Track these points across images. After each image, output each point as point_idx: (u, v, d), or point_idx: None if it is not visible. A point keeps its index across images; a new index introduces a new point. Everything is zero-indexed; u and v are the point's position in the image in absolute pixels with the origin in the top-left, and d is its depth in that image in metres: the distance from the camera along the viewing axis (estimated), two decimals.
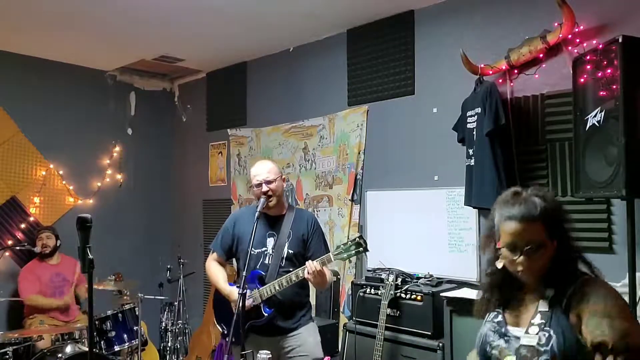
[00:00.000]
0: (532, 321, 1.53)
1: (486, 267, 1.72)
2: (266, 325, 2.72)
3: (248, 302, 2.66)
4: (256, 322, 2.72)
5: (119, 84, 5.64)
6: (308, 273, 2.57)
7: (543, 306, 1.53)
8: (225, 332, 2.88)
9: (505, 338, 1.60)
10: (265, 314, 2.71)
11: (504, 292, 1.66)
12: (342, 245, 2.61)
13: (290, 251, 2.79)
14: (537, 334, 1.50)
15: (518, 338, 1.55)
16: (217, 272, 2.90)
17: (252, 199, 2.93)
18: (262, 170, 2.78)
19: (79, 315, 4.56)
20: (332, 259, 2.60)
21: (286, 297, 2.74)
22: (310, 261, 2.61)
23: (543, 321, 1.51)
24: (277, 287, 2.67)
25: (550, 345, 1.47)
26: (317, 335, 2.88)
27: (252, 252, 2.63)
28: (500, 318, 1.66)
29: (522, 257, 1.53)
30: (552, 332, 1.48)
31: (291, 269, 2.75)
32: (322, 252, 2.84)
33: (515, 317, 1.63)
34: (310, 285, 2.88)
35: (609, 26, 2.91)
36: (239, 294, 2.48)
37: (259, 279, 2.75)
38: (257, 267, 2.78)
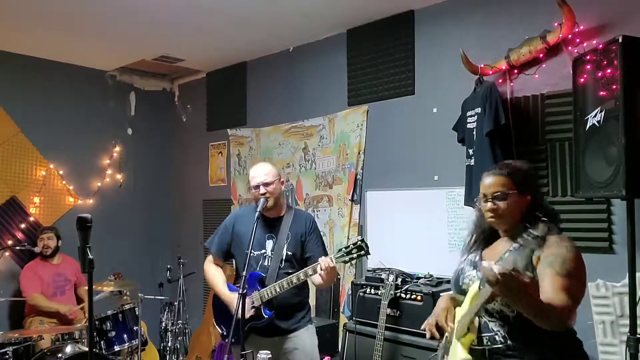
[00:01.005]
0: (502, 256, 1.81)
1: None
2: (266, 327, 2.72)
3: (248, 307, 2.66)
4: (256, 324, 2.71)
5: (119, 84, 5.64)
6: (321, 269, 2.55)
7: (514, 246, 1.81)
8: (225, 333, 2.88)
9: (477, 267, 1.89)
10: (266, 316, 2.70)
11: (484, 235, 2.00)
12: (343, 248, 2.60)
13: (289, 253, 2.79)
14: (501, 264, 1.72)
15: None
16: (216, 277, 2.89)
17: (252, 199, 2.93)
18: (260, 173, 2.78)
19: (79, 315, 4.55)
20: (334, 261, 2.60)
21: (286, 299, 2.74)
22: (324, 257, 2.59)
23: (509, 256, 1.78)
24: (279, 289, 2.66)
25: None
26: (315, 339, 2.88)
27: (251, 254, 2.62)
28: (477, 257, 1.96)
29: (489, 204, 1.89)
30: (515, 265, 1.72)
31: (290, 271, 2.75)
32: (320, 253, 2.83)
33: (490, 254, 1.92)
34: (310, 285, 2.88)
35: (609, 26, 2.92)
36: (239, 294, 2.47)
37: (259, 281, 2.75)
38: (257, 269, 2.78)
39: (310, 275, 2.63)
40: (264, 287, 2.72)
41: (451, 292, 2.08)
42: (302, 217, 2.91)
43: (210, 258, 2.97)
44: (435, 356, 2.01)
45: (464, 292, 1.92)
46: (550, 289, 1.67)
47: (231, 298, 2.75)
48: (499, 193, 1.87)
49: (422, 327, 2.03)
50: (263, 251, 2.81)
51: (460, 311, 1.93)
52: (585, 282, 1.81)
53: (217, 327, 2.95)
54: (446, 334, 1.94)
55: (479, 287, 1.76)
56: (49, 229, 4.67)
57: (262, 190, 2.74)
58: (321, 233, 3.03)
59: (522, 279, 1.56)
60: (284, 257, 2.78)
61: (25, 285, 4.41)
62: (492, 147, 3.12)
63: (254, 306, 2.70)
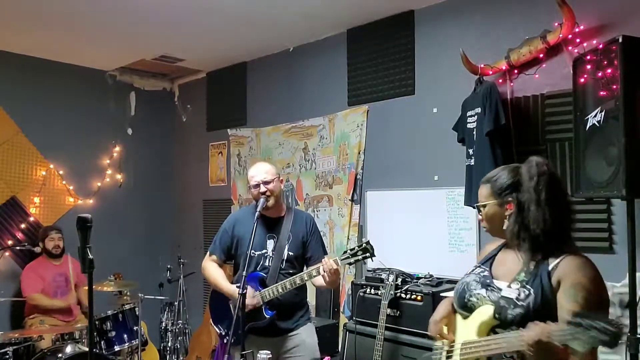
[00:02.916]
0: (517, 277, 1.68)
1: None
2: (266, 327, 2.72)
3: (254, 301, 2.65)
4: (257, 324, 2.71)
5: (119, 84, 5.64)
6: (324, 271, 2.54)
7: (528, 266, 1.66)
8: (222, 333, 2.88)
9: (489, 288, 1.74)
10: (267, 316, 2.70)
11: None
12: (349, 250, 2.60)
13: (291, 253, 2.79)
14: (517, 289, 1.64)
15: (500, 290, 1.70)
16: (215, 272, 2.89)
17: (251, 199, 2.92)
18: (260, 171, 2.78)
19: (79, 315, 4.56)
20: (339, 263, 2.60)
21: (286, 298, 2.73)
22: (326, 259, 2.59)
23: (526, 279, 1.64)
24: (282, 290, 2.66)
25: (527, 301, 1.60)
26: (315, 336, 2.88)
27: (252, 254, 2.62)
28: (486, 273, 1.81)
29: (479, 216, 1.84)
30: (532, 291, 1.61)
31: (291, 271, 2.75)
32: (320, 254, 2.86)
33: (500, 272, 1.78)
34: (309, 285, 2.88)
35: (609, 26, 2.91)
36: (239, 294, 2.47)
37: (259, 281, 2.75)
38: (258, 269, 2.78)
39: (315, 276, 2.63)
40: (264, 287, 2.72)
41: (452, 297, 1.97)
42: (303, 218, 2.91)
43: (211, 257, 2.95)
44: (430, 356, 1.94)
45: (468, 309, 1.79)
46: (563, 317, 1.54)
47: (232, 290, 2.72)
48: (478, 206, 1.84)
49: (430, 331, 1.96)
50: (264, 251, 2.80)
51: (462, 327, 1.81)
52: (608, 310, 1.70)
53: (214, 326, 2.95)
54: (445, 342, 1.88)
55: (494, 316, 1.65)
56: (57, 230, 4.66)
57: (263, 188, 2.73)
58: (321, 233, 3.03)
59: (550, 344, 1.45)
60: (285, 258, 2.78)
61: (26, 285, 4.41)
62: (492, 147, 3.12)
63: (256, 303, 2.70)
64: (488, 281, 1.77)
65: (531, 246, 1.66)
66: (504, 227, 1.74)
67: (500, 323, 1.64)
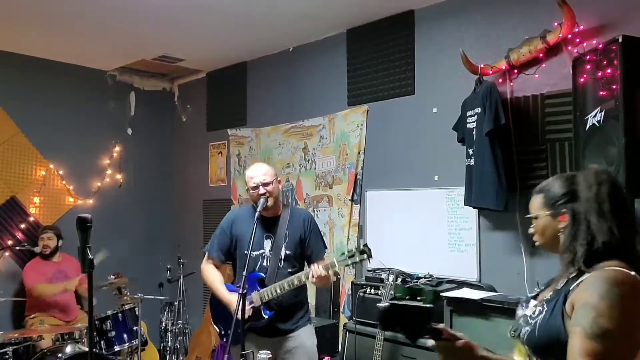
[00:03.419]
0: (545, 295, 1.55)
1: None
2: (266, 327, 2.72)
3: (247, 307, 2.65)
4: (256, 324, 2.71)
5: (119, 84, 5.64)
6: (313, 277, 2.59)
7: (559, 285, 1.51)
8: (222, 332, 2.88)
9: (523, 306, 1.64)
10: (266, 316, 2.71)
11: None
12: (346, 252, 2.62)
13: (288, 252, 2.79)
14: (535, 306, 1.53)
15: (528, 308, 1.61)
16: (214, 277, 2.88)
17: (250, 200, 2.91)
18: (259, 173, 2.78)
19: (79, 315, 4.56)
20: (336, 265, 2.61)
21: (285, 299, 2.74)
22: (315, 265, 2.61)
23: (548, 298, 1.50)
24: (279, 290, 2.66)
25: (535, 320, 1.47)
26: (314, 338, 2.89)
27: (250, 255, 2.61)
28: (535, 292, 1.67)
29: (531, 229, 1.64)
30: (544, 310, 1.47)
31: (290, 270, 2.76)
32: (320, 250, 2.87)
33: (545, 292, 1.62)
34: (309, 285, 2.89)
35: (609, 26, 2.91)
36: (239, 293, 2.47)
37: (258, 282, 2.75)
38: (257, 269, 2.78)
39: (304, 281, 2.66)
40: (263, 287, 2.72)
41: None
42: (300, 216, 2.91)
43: (209, 260, 2.94)
44: None
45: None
46: (573, 353, 1.30)
47: (230, 299, 2.73)
48: (530, 215, 1.63)
49: None
50: (262, 251, 2.80)
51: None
52: (632, 343, 1.32)
53: (214, 325, 2.95)
54: None
55: (510, 332, 1.58)
56: (49, 229, 4.66)
57: (262, 190, 2.73)
58: (321, 233, 3.03)
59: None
60: (282, 257, 2.78)
61: (28, 279, 4.40)
62: (492, 147, 3.12)
63: (253, 306, 2.70)
64: (526, 299, 1.66)
65: (572, 259, 1.47)
66: (561, 242, 1.54)
67: (521, 342, 1.53)
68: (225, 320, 2.82)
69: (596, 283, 1.35)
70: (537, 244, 1.65)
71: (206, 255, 2.95)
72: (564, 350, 1.34)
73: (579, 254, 1.44)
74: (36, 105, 5.01)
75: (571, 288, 1.42)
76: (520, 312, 1.63)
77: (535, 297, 1.64)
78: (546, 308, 1.47)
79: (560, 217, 1.53)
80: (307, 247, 2.85)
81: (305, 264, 2.88)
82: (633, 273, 1.37)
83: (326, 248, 2.96)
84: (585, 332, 1.29)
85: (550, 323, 1.42)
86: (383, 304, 1.46)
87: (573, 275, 1.46)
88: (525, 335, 1.49)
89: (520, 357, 1.57)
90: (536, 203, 1.61)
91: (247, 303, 2.65)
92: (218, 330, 2.91)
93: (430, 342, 1.48)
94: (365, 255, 2.59)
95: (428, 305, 1.43)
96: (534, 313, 1.51)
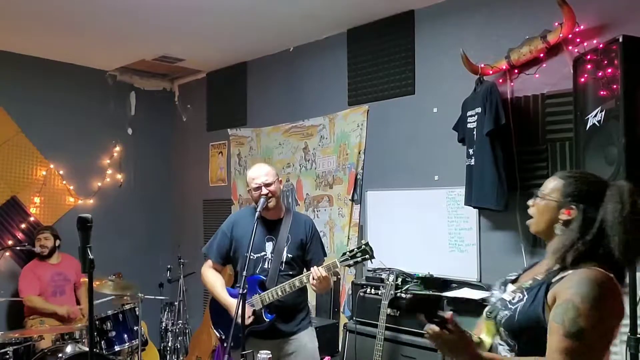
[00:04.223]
0: (524, 282, 1.60)
1: None
2: (267, 329, 2.71)
3: (248, 311, 2.64)
4: (257, 327, 2.71)
5: (119, 84, 5.64)
6: (313, 279, 2.57)
7: (540, 275, 1.57)
8: (223, 337, 2.86)
9: (501, 289, 1.69)
10: (267, 320, 2.70)
11: None
12: (348, 252, 2.61)
13: (290, 255, 2.78)
14: (514, 292, 1.58)
15: (505, 291, 1.66)
16: (214, 281, 2.86)
17: (251, 200, 2.91)
18: (261, 173, 2.76)
19: (79, 315, 4.55)
20: (338, 266, 2.60)
21: (287, 301, 2.73)
22: (315, 267, 2.59)
23: (528, 286, 1.56)
24: (280, 293, 2.65)
25: (516, 306, 1.53)
26: (316, 341, 2.88)
27: (250, 257, 2.59)
28: (513, 277, 1.72)
29: (531, 200, 1.67)
30: (525, 298, 1.53)
31: (291, 273, 2.75)
32: (320, 255, 2.86)
33: (524, 278, 1.68)
34: (309, 286, 2.88)
35: (610, 26, 2.92)
36: (239, 294, 2.46)
37: (259, 284, 2.74)
38: (257, 271, 2.77)
39: (305, 283, 2.63)
40: (264, 290, 2.71)
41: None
42: (302, 221, 2.90)
43: (209, 262, 2.94)
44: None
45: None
46: (551, 349, 1.39)
47: (230, 303, 2.72)
48: (541, 194, 1.64)
49: None
50: (263, 253, 2.79)
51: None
52: (607, 344, 1.43)
53: (214, 330, 2.94)
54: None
55: (487, 314, 1.64)
56: (46, 229, 4.66)
57: (264, 191, 2.72)
58: (321, 234, 3.03)
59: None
60: (284, 260, 2.77)
61: (23, 287, 4.41)
62: (492, 147, 3.12)
63: (254, 309, 2.69)
64: (505, 282, 1.71)
65: (563, 256, 1.51)
66: (556, 232, 1.57)
67: (494, 322, 1.60)
68: (225, 325, 2.80)
69: (580, 282, 1.41)
70: (530, 224, 1.68)
71: (206, 259, 2.95)
72: (540, 335, 1.43)
73: (573, 253, 1.48)
74: (36, 105, 5.01)
75: (553, 280, 1.49)
76: (497, 294, 1.69)
77: (513, 282, 1.70)
78: (527, 296, 1.53)
79: (566, 210, 1.56)
80: (307, 252, 2.84)
81: (305, 269, 2.87)
82: (611, 275, 1.45)
83: (326, 255, 2.94)
84: (564, 331, 1.37)
85: (531, 311, 1.48)
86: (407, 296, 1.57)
87: (555, 268, 1.52)
88: (503, 319, 1.55)
89: (488, 336, 1.63)
90: (553, 185, 1.62)
91: (247, 308, 2.64)
92: (218, 335, 2.90)
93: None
94: (367, 255, 2.57)
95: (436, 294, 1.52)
96: (513, 299, 1.56)
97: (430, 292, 3.20)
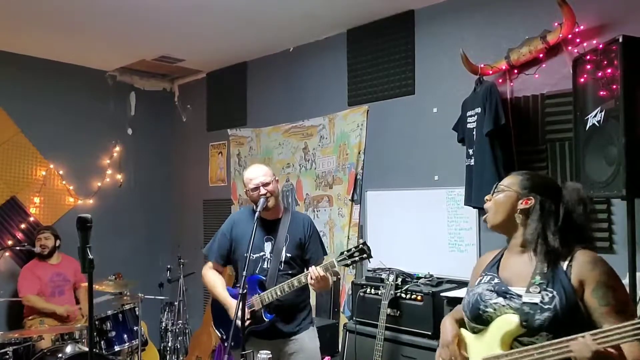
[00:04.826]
0: (532, 281, 1.62)
1: None
2: (267, 329, 2.71)
3: (247, 313, 2.63)
4: (257, 327, 2.70)
5: (119, 84, 5.64)
6: (311, 279, 2.56)
7: (541, 268, 1.63)
8: (224, 337, 2.86)
9: (507, 296, 1.65)
10: (267, 319, 2.70)
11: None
12: (345, 252, 2.61)
13: (289, 255, 2.78)
14: (539, 292, 1.59)
15: (520, 296, 1.62)
16: (215, 282, 2.87)
17: (250, 201, 2.91)
18: (258, 174, 2.77)
19: (79, 315, 4.55)
20: (336, 265, 2.60)
21: (287, 301, 2.73)
22: (313, 267, 2.59)
23: (543, 282, 1.60)
24: (279, 293, 2.65)
25: (553, 304, 1.55)
26: (317, 341, 2.88)
27: (250, 257, 2.58)
28: (498, 280, 1.73)
29: (488, 196, 1.80)
30: (555, 293, 1.57)
31: (290, 272, 2.75)
32: (319, 254, 2.86)
33: (509, 278, 1.71)
34: (311, 288, 2.88)
35: (609, 26, 2.92)
36: (239, 294, 2.46)
37: (259, 284, 2.74)
38: (256, 271, 2.77)
39: (304, 282, 2.63)
40: (264, 290, 2.71)
41: (455, 313, 1.89)
42: (300, 220, 2.90)
43: (209, 264, 2.94)
44: None
45: (482, 322, 1.68)
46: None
47: (230, 303, 2.73)
48: (498, 186, 1.79)
49: None
50: (262, 253, 2.79)
51: (477, 342, 1.71)
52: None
53: (215, 330, 2.94)
54: None
55: (521, 324, 1.58)
56: (46, 229, 4.66)
57: (263, 190, 2.72)
58: (321, 234, 3.03)
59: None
60: (283, 260, 2.77)
61: (22, 286, 4.41)
62: (492, 147, 3.13)
63: (254, 310, 2.69)
64: (504, 289, 1.67)
65: (547, 250, 1.64)
66: (517, 222, 1.72)
67: (528, 331, 1.57)
68: (226, 324, 2.80)
69: (596, 263, 1.59)
70: (487, 219, 1.79)
71: (206, 260, 2.95)
72: (581, 319, 1.54)
73: (553, 242, 1.63)
74: (36, 105, 5.01)
75: (565, 268, 1.60)
76: (513, 302, 1.62)
77: (503, 284, 1.70)
78: (555, 291, 1.57)
79: (524, 200, 1.71)
80: (306, 251, 2.84)
81: (305, 268, 2.87)
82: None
83: (326, 254, 2.93)
84: (615, 309, 1.53)
85: (569, 303, 1.55)
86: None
87: (553, 257, 1.62)
88: (546, 322, 1.54)
89: (503, 348, 1.60)
90: (511, 180, 1.77)
91: (247, 308, 2.64)
92: (219, 335, 2.90)
93: None
94: (365, 255, 2.58)
95: None
96: (543, 299, 1.57)
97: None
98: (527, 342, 1.56)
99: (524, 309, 1.58)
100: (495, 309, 1.65)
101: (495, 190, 1.78)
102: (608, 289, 1.55)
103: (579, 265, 1.59)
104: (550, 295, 1.56)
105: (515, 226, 1.73)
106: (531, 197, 1.69)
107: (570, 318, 1.54)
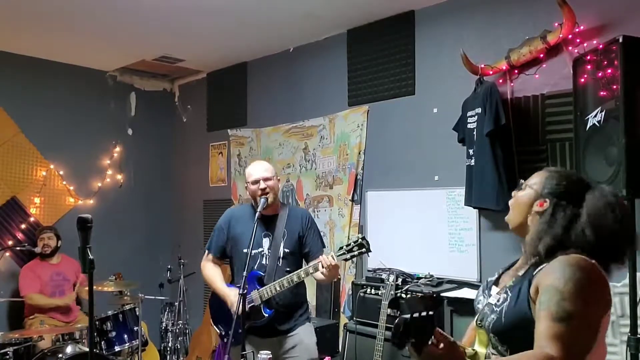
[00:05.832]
0: (507, 283, 1.55)
1: None
2: (265, 326, 2.72)
3: (247, 306, 2.65)
4: (256, 323, 2.71)
5: (119, 85, 5.64)
6: (323, 267, 2.55)
7: (521, 272, 1.53)
8: (223, 332, 2.87)
9: (485, 294, 1.64)
10: (266, 315, 2.70)
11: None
12: (344, 247, 2.61)
13: (287, 250, 2.79)
14: (498, 294, 1.53)
15: (490, 295, 1.60)
16: (213, 273, 2.89)
17: (250, 197, 2.91)
18: (260, 169, 2.80)
19: (79, 315, 4.56)
20: (335, 259, 2.60)
21: (285, 298, 2.74)
22: (324, 256, 2.58)
23: (512, 284, 1.51)
24: (278, 288, 2.66)
25: (501, 307, 1.48)
26: (314, 336, 2.88)
27: (250, 254, 2.60)
28: (492, 279, 1.68)
29: (514, 191, 1.64)
30: (508, 297, 1.48)
31: (288, 268, 2.75)
32: (318, 247, 2.86)
33: (506, 278, 1.64)
34: (308, 284, 2.88)
35: (610, 26, 2.92)
36: (239, 294, 2.47)
37: (258, 280, 2.75)
38: (255, 267, 2.78)
39: (312, 273, 2.63)
40: (263, 286, 2.72)
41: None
42: (298, 215, 2.91)
43: (209, 257, 2.96)
44: None
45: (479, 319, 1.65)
46: (540, 337, 1.33)
47: (227, 292, 2.74)
48: (522, 184, 1.61)
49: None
50: (260, 249, 2.80)
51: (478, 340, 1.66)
52: (597, 324, 1.36)
53: (214, 326, 2.95)
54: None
55: (477, 322, 1.57)
56: (49, 229, 4.67)
57: (263, 185, 2.73)
58: (321, 233, 3.03)
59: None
60: (281, 255, 2.78)
61: (23, 285, 4.41)
62: (492, 147, 3.13)
63: (253, 305, 2.70)
64: (488, 287, 1.66)
65: (536, 250, 1.49)
66: (528, 223, 1.56)
67: (485, 331, 1.52)
68: (225, 320, 2.82)
69: (561, 267, 1.38)
70: (508, 219, 1.64)
71: (206, 252, 2.97)
72: (530, 333, 1.36)
73: (542, 244, 1.46)
74: (36, 105, 5.01)
75: (534, 273, 1.44)
76: (483, 300, 1.63)
77: (496, 283, 1.65)
78: (510, 294, 1.48)
79: (539, 202, 1.54)
80: (304, 245, 2.84)
81: (304, 261, 2.88)
82: (593, 261, 1.41)
83: (324, 247, 2.94)
84: (551, 315, 1.32)
85: (517, 309, 1.43)
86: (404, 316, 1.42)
87: (534, 262, 1.48)
88: (491, 324, 1.48)
89: (481, 346, 1.56)
90: (539, 178, 1.59)
91: (246, 303, 2.65)
92: (218, 331, 2.91)
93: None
94: (364, 249, 2.57)
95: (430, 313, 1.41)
96: (498, 301, 1.51)
97: (428, 292, 3.19)
98: (493, 342, 1.51)
99: (485, 309, 1.56)
100: (478, 308, 1.66)
101: (520, 186, 1.63)
102: (556, 293, 1.34)
103: (544, 270, 1.42)
104: (504, 297, 1.49)
105: (527, 229, 1.57)
106: (547, 200, 1.53)
107: (513, 324, 1.43)
